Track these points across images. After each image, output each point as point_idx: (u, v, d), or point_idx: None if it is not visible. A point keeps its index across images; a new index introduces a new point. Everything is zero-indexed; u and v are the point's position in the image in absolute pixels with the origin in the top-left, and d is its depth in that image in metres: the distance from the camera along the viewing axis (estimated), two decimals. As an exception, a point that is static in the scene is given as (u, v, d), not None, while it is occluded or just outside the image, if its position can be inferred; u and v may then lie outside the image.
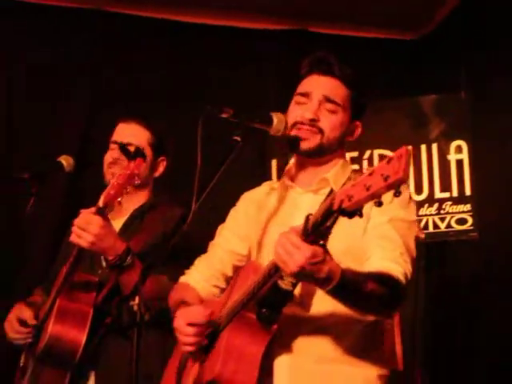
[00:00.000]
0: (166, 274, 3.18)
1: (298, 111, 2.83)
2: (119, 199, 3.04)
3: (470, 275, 4.90)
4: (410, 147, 2.09)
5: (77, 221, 3.08)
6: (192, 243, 3.25)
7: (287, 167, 3.00)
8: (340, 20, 5.81)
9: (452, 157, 4.93)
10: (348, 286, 2.35)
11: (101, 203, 3.07)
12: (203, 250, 3.08)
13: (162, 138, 3.69)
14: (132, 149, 3.22)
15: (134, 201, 3.58)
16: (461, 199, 4.80)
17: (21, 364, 3.53)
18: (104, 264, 3.28)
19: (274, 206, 2.94)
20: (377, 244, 2.63)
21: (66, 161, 3.50)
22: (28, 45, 5.39)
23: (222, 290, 2.94)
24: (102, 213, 3.09)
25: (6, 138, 5.25)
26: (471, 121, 4.92)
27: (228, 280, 2.94)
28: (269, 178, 5.32)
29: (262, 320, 2.49)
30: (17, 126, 5.30)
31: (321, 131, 2.79)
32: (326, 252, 2.25)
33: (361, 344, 2.67)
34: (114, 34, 5.58)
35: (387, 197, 2.56)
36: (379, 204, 2.06)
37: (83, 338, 3.22)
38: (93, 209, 3.10)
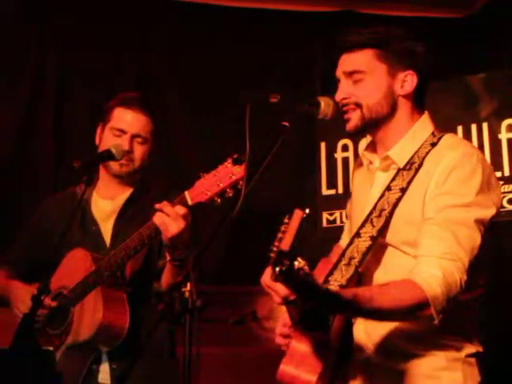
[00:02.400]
0: None
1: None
2: (219, 200, 3.04)
3: (523, 256, 4.84)
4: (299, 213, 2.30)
5: (168, 209, 3.10)
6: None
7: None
8: (386, 0, 5.77)
9: (503, 136, 4.87)
10: (342, 310, 2.46)
11: (190, 201, 3.07)
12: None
13: (157, 125, 3.71)
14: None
15: (128, 183, 3.63)
16: (513, 178, 4.75)
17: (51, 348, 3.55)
18: (167, 257, 3.30)
19: (361, 176, 2.97)
20: (423, 243, 2.54)
21: (115, 149, 3.53)
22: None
23: None
24: (191, 211, 3.11)
25: (55, 127, 5.33)
26: (522, 98, 4.85)
27: None
28: (318, 162, 5.32)
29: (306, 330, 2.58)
30: (66, 115, 5.38)
31: (358, 105, 2.73)
32: (298, 289, 2.25)
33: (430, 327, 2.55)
34: (157, 19, 5.63)
35: (442, 175, 2.57)
36: None
37: (127, 325, 3.29)
38: (180, 202, 3.11)
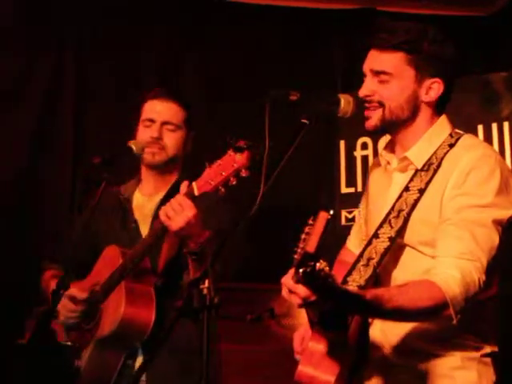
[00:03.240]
0: None
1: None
2: (223, 190, 3.04)
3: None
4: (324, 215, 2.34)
5: (172, 202, 3.10)
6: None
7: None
8: (408, -2, 5.77)
9: (524, 135, 4.85)
10: (361, 311, 2.48)
11: (196, 192, 3.07)
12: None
13: (191, 114, 3.69)
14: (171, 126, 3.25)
15: (167, 178, 3.61)
16: (534, 178, 4.71)
17: (69, 343, 3.56)
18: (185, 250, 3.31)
19: (379, 175, 2.95)
20: (441, 243, 2.55)
21: (135, 145, 3.54)
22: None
23: None
24: (196, 201, 3.10)
25: (75, 124, 5.35)
26: (544, 98, 4.82)
27: None
28: (337, 160, 5.31)
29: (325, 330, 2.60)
30: (86, 111, 5.40)
31: (381, 104, 2.72)
32: (319, 290, 2.25)
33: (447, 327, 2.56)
34: (180, 15, 5.64)
35: (460, 176, 2.56)
36: None
37: (152, 319, 3.27)
38: (187, 192, 3.11)
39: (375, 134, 2.81)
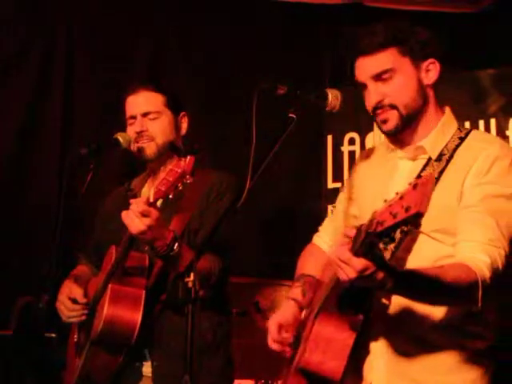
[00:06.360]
0: None
1: (366, 99, 2.79)
2: (170, 196, 3.04)
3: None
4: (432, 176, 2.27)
5: (134, 206, 3.09)
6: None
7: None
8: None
9: (511, 132, 4.86)
10: (406, 288, 2.46)
11: (151, 198, 3.06)
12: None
13: (175, 95, 3.66)
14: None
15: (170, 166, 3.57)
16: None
17: (74, 339, 3.56)
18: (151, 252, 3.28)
19: (376, 164, 2.95)
20: (466, 229, 2.59)
21: (122, 137, 3.52)
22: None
23: None
24: (155, 207, 3.10)
25: (63, 115, 5.34)
26: (531, 95, 4.85)
27: None
28: (324, 155, 5.32)
29: (344, 312, 2.58)
30: (74, 103, 5.39)
31: (393, 106, 2.73)
32: (379, 261, 2.30)
33: (459, 315, 2.63)
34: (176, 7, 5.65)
35: (484, 165, 2.62)
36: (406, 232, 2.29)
37: (138, 321, 3.23)
38: (145, 199, 3.09)
39: (394, 135, 2.78)
